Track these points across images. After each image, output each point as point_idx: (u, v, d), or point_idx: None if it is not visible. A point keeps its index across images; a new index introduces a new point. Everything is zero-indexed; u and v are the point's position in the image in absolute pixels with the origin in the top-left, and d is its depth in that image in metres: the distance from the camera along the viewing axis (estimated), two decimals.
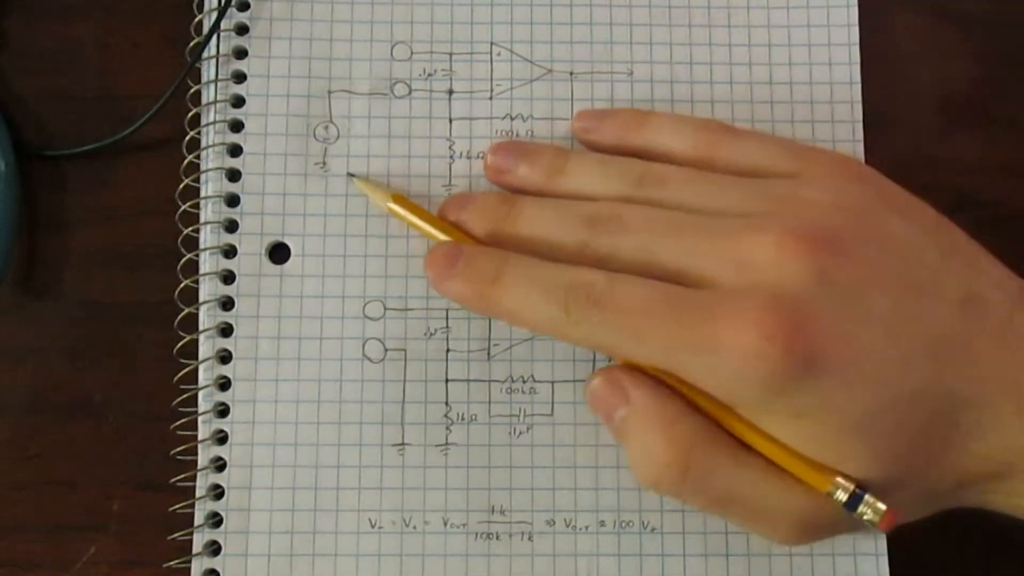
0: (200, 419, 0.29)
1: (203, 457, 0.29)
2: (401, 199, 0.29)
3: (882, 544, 0.29)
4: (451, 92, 0.31)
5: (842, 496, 0.23)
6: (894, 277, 0.24)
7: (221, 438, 0.29)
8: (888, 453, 0.23)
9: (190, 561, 0.29)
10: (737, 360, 0.23)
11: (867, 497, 0.23)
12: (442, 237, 0.28)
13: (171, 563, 0.29)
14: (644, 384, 0.25)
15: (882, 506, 0.23)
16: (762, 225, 0.24)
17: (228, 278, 0.30)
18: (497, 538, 0.29)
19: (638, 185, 0.27)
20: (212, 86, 0.31)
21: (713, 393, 0.24)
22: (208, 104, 0.31)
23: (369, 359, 0.30)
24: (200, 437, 0.29)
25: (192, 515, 0.29)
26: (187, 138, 0.30)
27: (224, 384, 0.30)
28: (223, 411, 0.29)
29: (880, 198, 0.26)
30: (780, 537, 0.25)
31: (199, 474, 0.29)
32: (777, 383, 0.23)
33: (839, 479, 0.24)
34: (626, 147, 0.29)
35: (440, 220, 0.29)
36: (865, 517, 0.23)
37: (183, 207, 0.30)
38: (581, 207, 0.27)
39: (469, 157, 0.31)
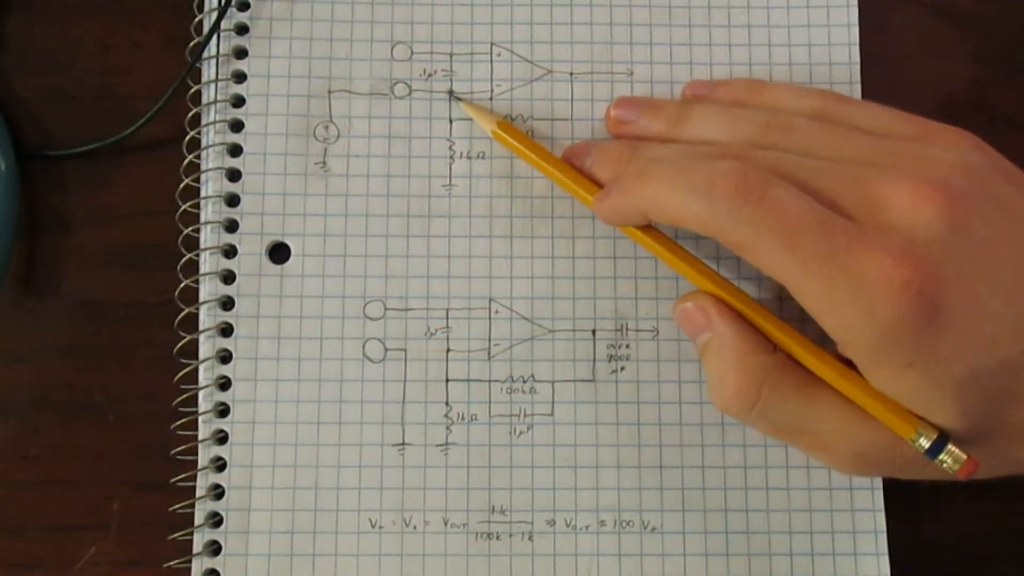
0: (200, 419, 0.29)
1: (203, 457, 0.29)
2: (506, 126, 0.30)
3: (883, 544, 0.29)
4: (451, 92, 0.31)
5: (924, 443, 0.24)
6: (1017, 241, 0.24)
7: (221, 438, 0.29)
8: (978, 412, 0.24)
9: (190, 561, 0.29)
10: (874, 294, 0.23)
11: (949, 446, 0.24)
12: (548, 168, 0.29)
13: (171, 563, 0.29)
14: (727, 315, 0.26)
15: (963, 455, 0.23)
16: (897, 173, 0.24)
17: (228, 278, 0.30)
18: (497, 538, 0.29)
19: (765, 131, 0.27)
20: (212, 86, 0.31)
21: (831, 327, 0.24)
22: (208, 104, 0.31)
23: (369, 359, 0.30)
24: (200, 437, 0.29)
25: (192, 515, 0.29)
26: (187, 138, 0.30)
27: (224, 384, 0.30)
28: (223, 411, 0.29)
29: (997, 168, 0.26)
30: (840, 468, 0.26)
31: (199, 474, 0.29)
32: (901, 328, 0.23)
33: (923, 428, 0.24)
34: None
35: (546, 151, 0.29)
36: (944, 465, 0.24)
37: (183, 207, 0.30)
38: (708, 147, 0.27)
39: (469, 157, 0.31)
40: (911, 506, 0.30)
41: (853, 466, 0.26)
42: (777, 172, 0.25)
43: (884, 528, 0.29)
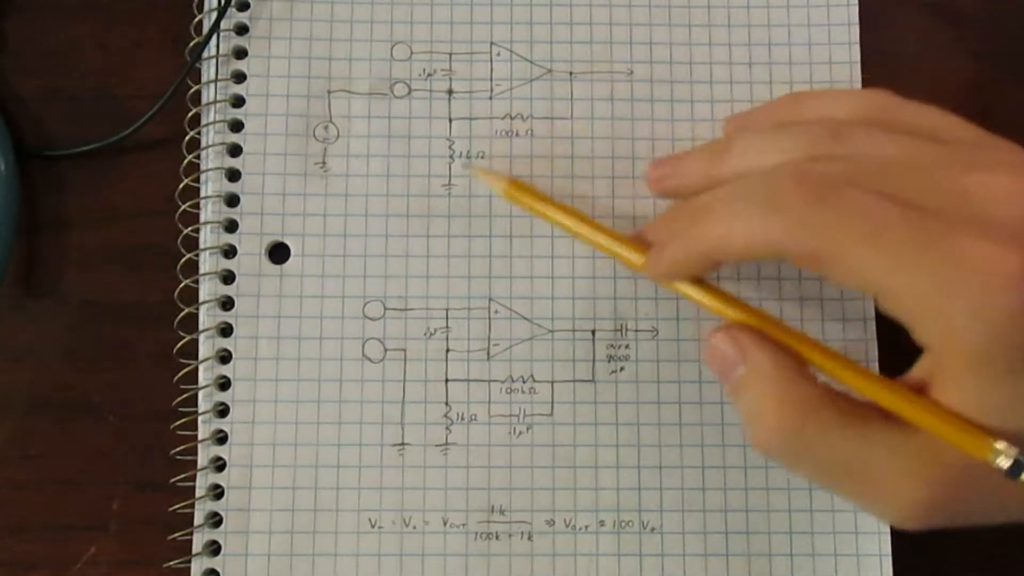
0: (200, 419, 0.29)
1: (203, 457, 0.29)
2: (521, 185, 0.29)
3: (886, 545, 0.29)
4: (451, 92, 0.31)
5: (1004, 463, 0.21)
6: None
7: (221, 438, 0.29)
8: None
9: (190, 561, 0.29)
10: (988, 283, 0.20)
11: None
12: (566, 222, 0.28)
13: (171, 563, 0.29)
14: (764, 344, 0.24)
15: None
16: (984, 165, 0.22)
17: (228, 278, 0.30)
18: (497, 538, 0.29)
19: (814, 144, 0.24)
20: (212, 86, 0.31)
21: (930, 331, 0.21)
22: (208, 104, 0.31)
23: (369, 359, 0.30)
24: (200, 437, 0.29)
25: (192, 515, 0.29)
26: (187, 138, 0.30)
27: (224, 384, 0.30)
28: (223, 411, 0.29)
29: None
30: (897, 516, 0.23)
31: (199, 474, 0.29)
32: (1017, 323, 0.20)
33: (999, 444, 0.21)
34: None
35: (562, 205, 0.28)
36: None
37: (183, 207, 0.30)
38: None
39: (469, 156, 0.31)
40: None
41: (911, 512, 0.22)
42: (839, 178, 0.22)
43: (888, 529, 0.29)
